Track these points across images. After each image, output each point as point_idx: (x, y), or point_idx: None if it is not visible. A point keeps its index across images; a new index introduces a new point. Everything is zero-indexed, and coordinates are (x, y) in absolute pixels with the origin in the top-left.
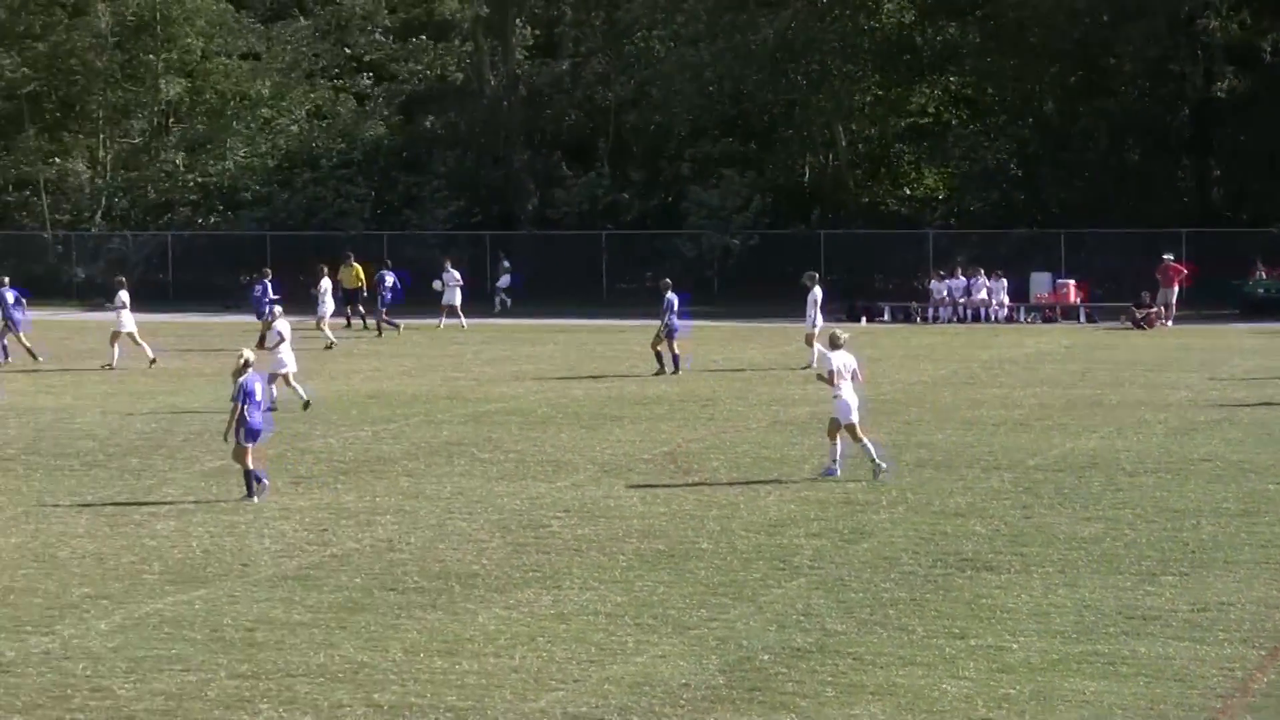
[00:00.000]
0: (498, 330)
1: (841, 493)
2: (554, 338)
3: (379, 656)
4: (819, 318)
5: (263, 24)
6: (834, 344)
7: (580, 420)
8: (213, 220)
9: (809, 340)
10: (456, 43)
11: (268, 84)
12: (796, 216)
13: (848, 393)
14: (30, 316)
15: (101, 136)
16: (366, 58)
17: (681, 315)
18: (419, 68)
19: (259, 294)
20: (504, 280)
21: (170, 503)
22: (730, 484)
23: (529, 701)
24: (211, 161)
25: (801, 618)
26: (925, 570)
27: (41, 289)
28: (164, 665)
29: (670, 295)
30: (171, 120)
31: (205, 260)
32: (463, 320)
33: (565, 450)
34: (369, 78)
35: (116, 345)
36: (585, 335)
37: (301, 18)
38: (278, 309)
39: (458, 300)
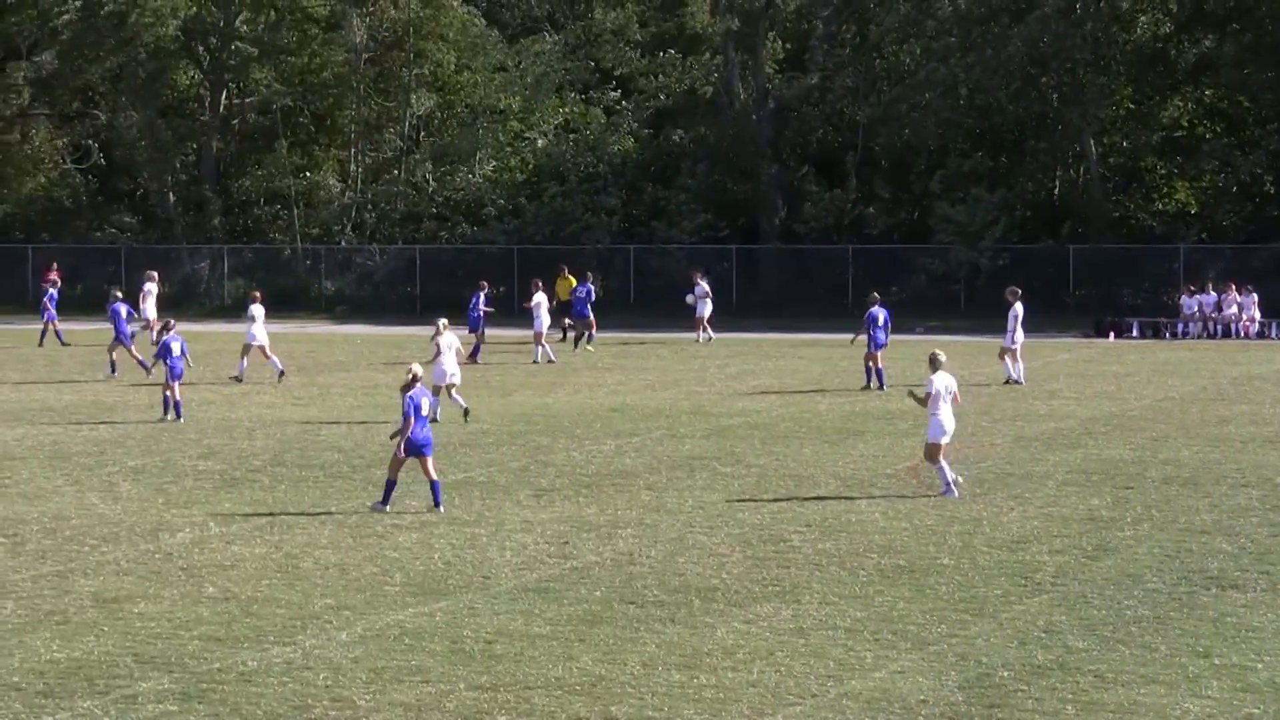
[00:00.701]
0: (743, 345)
1: (1085, 509)
2: (798, 352)
3: (617, 669)
4: (1020, 333)
5: (513, 39)
6: (934, 365)
7: (823, 435)
8: (459, 233)
9: (1006, 355)
10: (706, 56)
11: (517, 98)
12: (1045, 231)
13: (945, 414)
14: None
15: (352, 150)
16: (616, 71)
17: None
18: (668, 81)
19: (472, 305)
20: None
21: (412, 514)
22: (973, 499)
23: (766, 716)
24: (460, 175)
25: (1042, 634)
26: (1169, 588)
27: (290, 302)
28: (404, 676)
29: (874, 309)
30: (422, 134)
31: (452, 273)
32: (710, 333)
33: (807, 465)
34: (617, 91)
35: (245, 358)
36: (830, 350)
37: (552, 32)
38: (442, 321)
39: (707, 312)
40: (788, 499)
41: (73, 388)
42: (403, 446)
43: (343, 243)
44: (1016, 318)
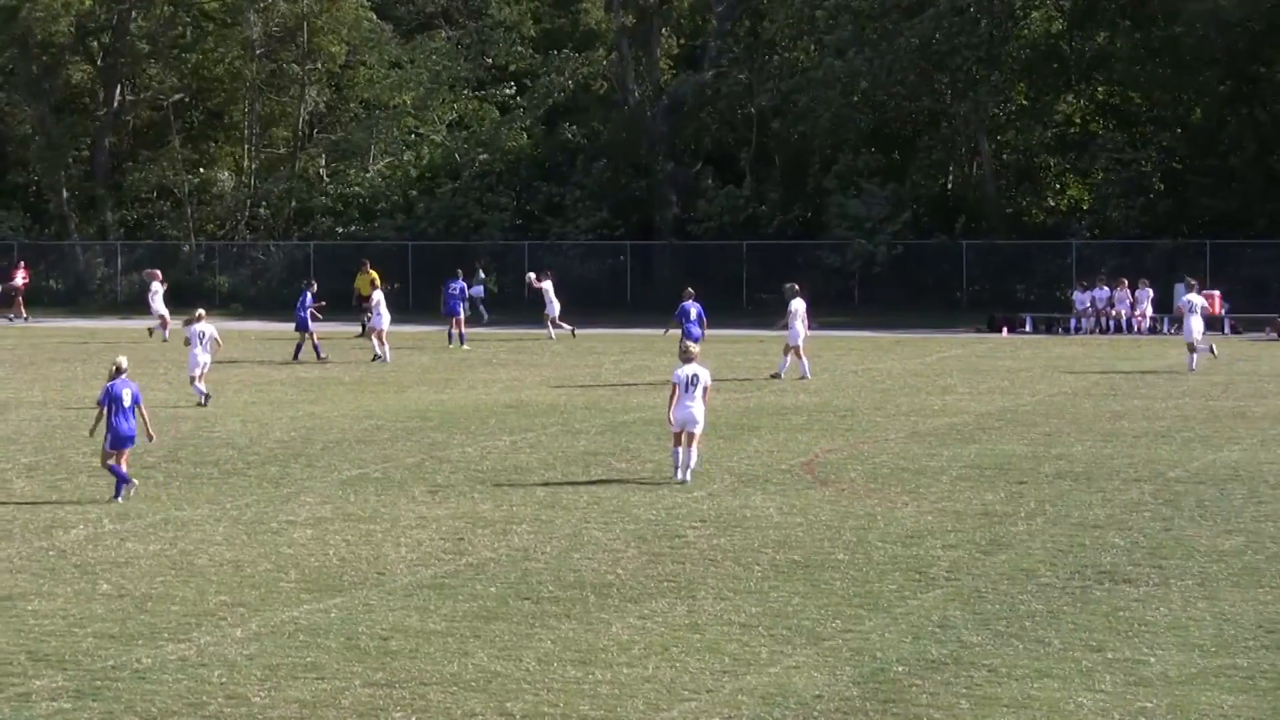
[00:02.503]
0: (638, 341)
1: (979, 504)
2: None
3: (513, 665)
4: (803, 330)
5: (408, 35)
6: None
7: (718, 430)
8: (353, 229)
9: (792, 351)
10: (601, 52)
11: (411, 94)
12: (939, 226)
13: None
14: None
15: (246, 146)
16: (510, 68)
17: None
18: (562, 78)
19: (299, 305)
20: (478, 289)
21: (308, 511)
22: (867, 495)
23: (662, 712)
24: (354, 171)
25: (937, 629)
26: (1063, 582)
27: (184, 298)
28: (299, 673)
29: (686, 304)
30: (315, 130)
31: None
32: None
33: (702, 460)
34: (512, 87)
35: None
36: (724, 346)
37: (446, 28)
38: (200, 310)
39: (556, 311)
40: (682, 495)
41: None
42: (109, 438)
43: (237, 238)
44: (795, 314)
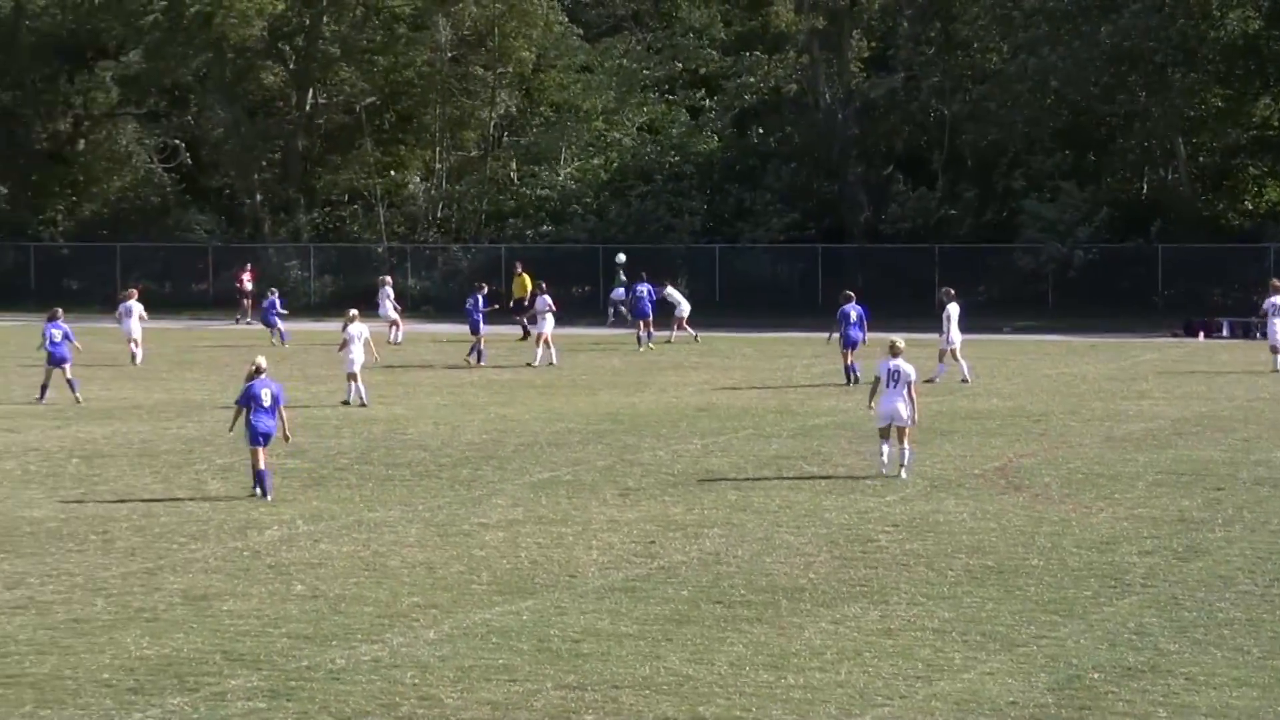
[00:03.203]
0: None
1: (1175, 510)
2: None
3: (704, 669)
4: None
5: (597, 38)
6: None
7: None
8: (543, 232)
9: (949, 354)
10: (791, 55)
11: (601, 98)
12: (1133, 230)
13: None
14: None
15: (436, 149)
16: (700, 71)
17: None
18: (752, 81)
19: (471, 306)
20: (619, 292)
21: (499, 513)
22: (1061, 500)
23: (854, 717)
24: (544, 175)
25: (1133, 636)
26: (1262, 590)
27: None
28: (491, 675)
29: (846, 307)
30: (505, 134)
31: (540, 272)
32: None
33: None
34: (701, 91)
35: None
36: (917, 350)
37: (636, 31)
38: (353, 311)
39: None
40: (875, 499)
41: (162, 386)
42: (249, 436)
43: (428, 241)
44: (950, 318)
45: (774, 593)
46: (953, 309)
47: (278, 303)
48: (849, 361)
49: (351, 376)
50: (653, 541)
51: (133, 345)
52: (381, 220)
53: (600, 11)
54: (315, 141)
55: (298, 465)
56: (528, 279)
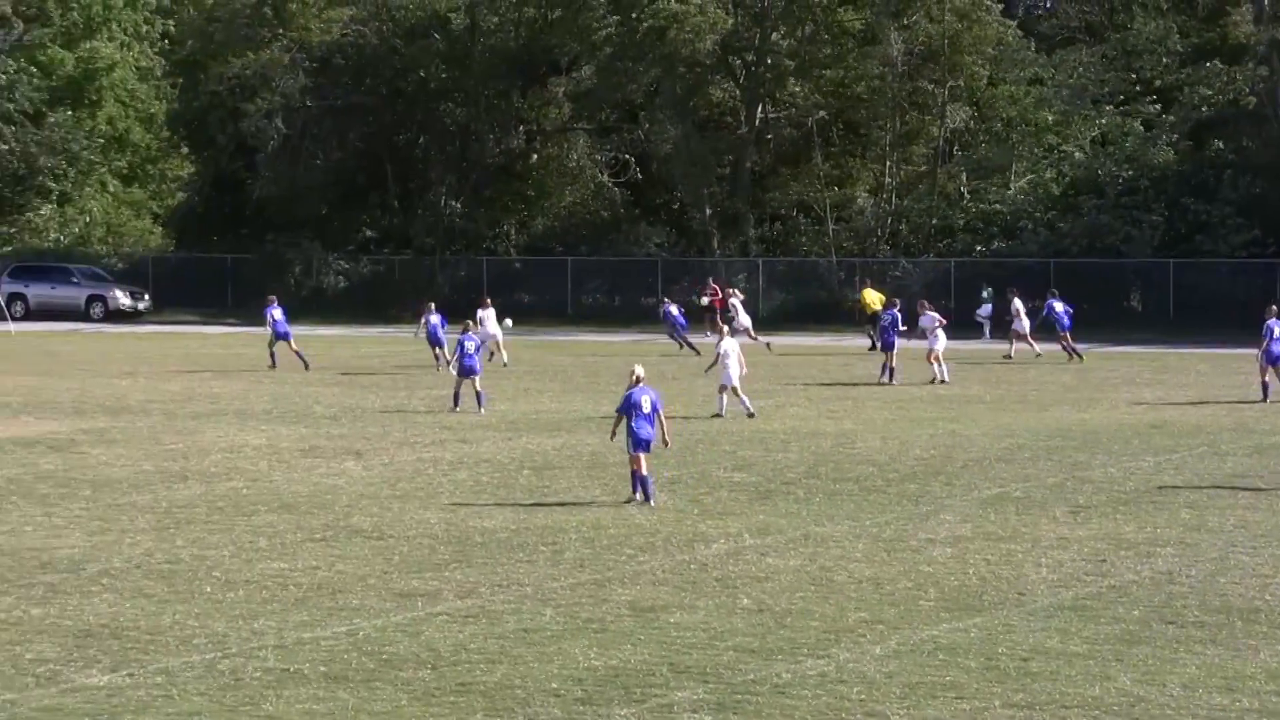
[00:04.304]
0: None
1: None
2: None
3: (1156, 691)
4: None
5: (1049, 50)
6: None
7: None
8: (993, 246)
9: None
10: (1250, 67)
11: (1053, 111)
12: None
13: None
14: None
15: (886, 164)
16: (1155, 82)
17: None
18: (1209, 93)
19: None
20: (987, 309)
21: (947, 529)
22: None
23: None
24: (994, 189)
25: None
26: None
27: (822, 315)
28: (937, 692)
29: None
30: (955, 147)
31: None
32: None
33: None
34: (1156, 102)
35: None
36: None
37: (1089, 43)
38: (726, 327)
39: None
40: None
41: (612, 400)
42: (629, 442)
43: (876, 255)
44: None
45: (1228, 614)
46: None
47: (442, 321)
48: (1264, 379)
49: (722, 389)
50: (1103, 560)
51: (495, 348)
52: (829, 234)
53: (1053, 24)
54: (764, 156)
55: (744, 479)
56: (874, 294)
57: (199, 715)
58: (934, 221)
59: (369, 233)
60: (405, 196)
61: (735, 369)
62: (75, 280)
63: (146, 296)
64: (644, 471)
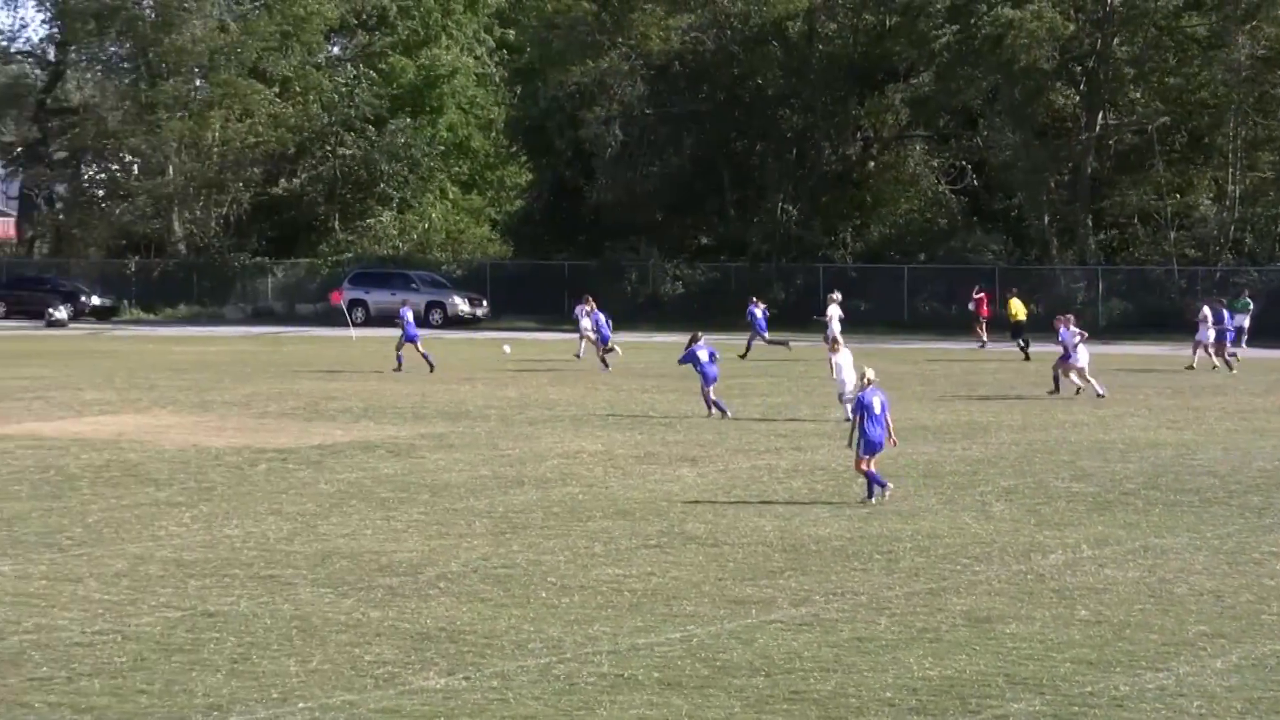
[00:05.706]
0: None
1: None
2: None
3: None
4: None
5: None
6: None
7: None
8: None
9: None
10: None
11: None
12: None
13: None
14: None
15: (1230, 171)
16: None
17: None
18: None
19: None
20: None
21: None
22: None
23: None
24: None
25: None
26: None
27: (1161, 324)
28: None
29: None
30: None
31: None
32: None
33: None
34: None
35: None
36: None
37: None
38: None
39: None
40: None
41: (947, 408)
42: (860, 444)
43: (1219, 265)
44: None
45: None
46: None
47: (600, 317)
48: None
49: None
50: None
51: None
52: (1170, 242)
53: None
54: (1104, 163)
55: (1083, 489)
56: (1019, 304)
57: (534, 719)
58: (1278, 229)
59: (704, 240)
60: (741, 203)
61: (850, 378)
62: (415, 287)
63: (485, 303)
64: (872, 469)
